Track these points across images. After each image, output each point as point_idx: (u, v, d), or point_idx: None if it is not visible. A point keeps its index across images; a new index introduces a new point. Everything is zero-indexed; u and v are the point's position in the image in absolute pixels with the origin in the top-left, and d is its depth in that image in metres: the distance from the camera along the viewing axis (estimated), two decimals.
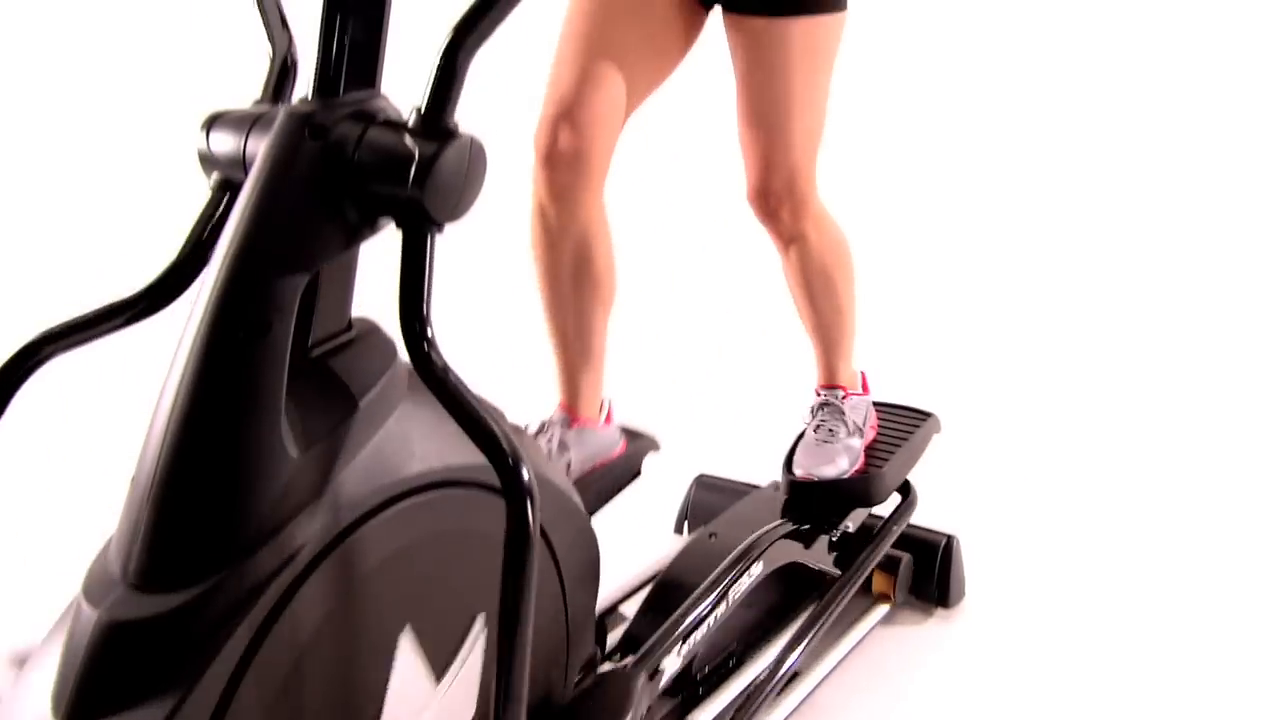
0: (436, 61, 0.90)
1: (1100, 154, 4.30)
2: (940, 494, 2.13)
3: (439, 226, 0.91)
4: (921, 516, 2.05)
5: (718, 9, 1.68)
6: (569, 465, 1.72)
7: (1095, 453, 2.65)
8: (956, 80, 4.52)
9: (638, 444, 1.87)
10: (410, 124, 0.91)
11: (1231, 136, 4.27)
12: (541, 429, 1.77)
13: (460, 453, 1.01)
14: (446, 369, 0.90)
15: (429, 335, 0.89)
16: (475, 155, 0.92)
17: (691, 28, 1.68)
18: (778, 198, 1.71)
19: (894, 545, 1.99)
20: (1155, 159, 4.24)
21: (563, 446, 1.73)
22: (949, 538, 2.05)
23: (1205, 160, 4.20)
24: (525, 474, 0.87)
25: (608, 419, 1.83)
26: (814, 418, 1.96)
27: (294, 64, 1.07)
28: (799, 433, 1.97)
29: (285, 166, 0.90)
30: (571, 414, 1.77)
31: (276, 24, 1.08)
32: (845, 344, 1.95)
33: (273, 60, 1.07)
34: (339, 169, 0.91)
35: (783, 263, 1.84)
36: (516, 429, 1.15)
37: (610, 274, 1.71)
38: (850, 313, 1.91)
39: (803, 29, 1.60)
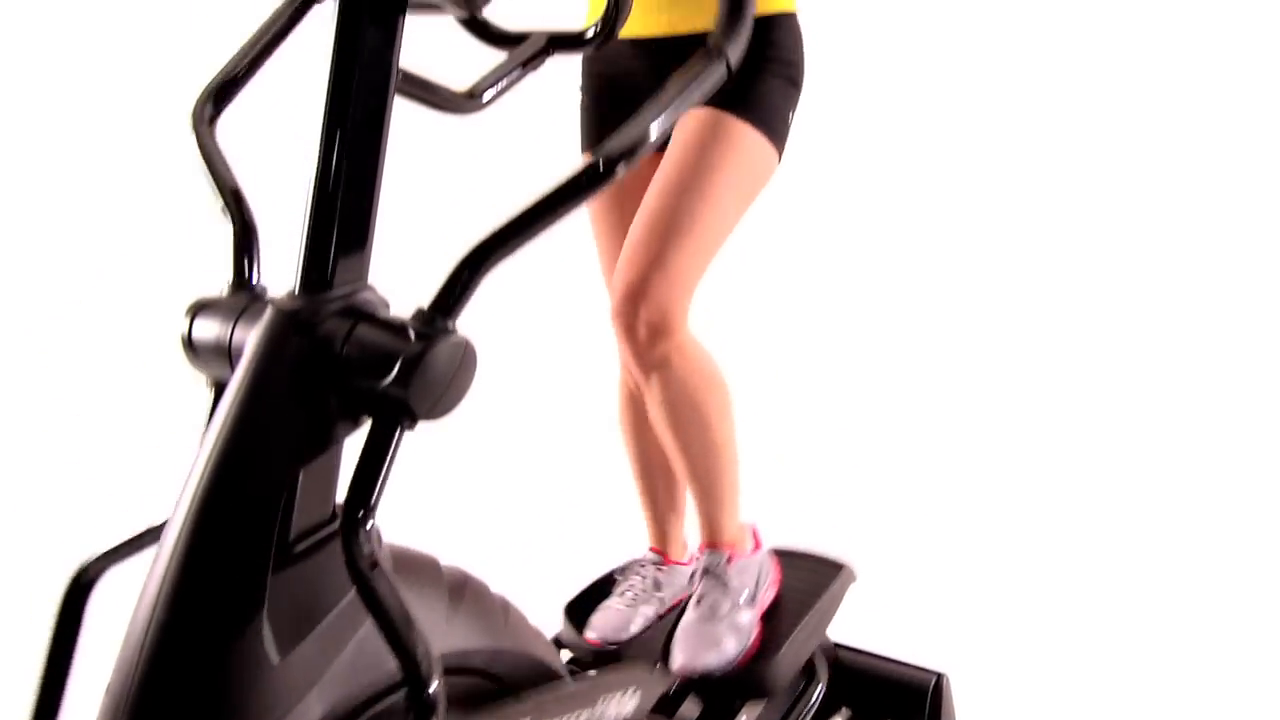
0: (452, 269, 0.90)
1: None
2: (923, 623, 2.10)
3: (413, 423, 0.90)
4: (905, 649, 2.01)
5: None
6: (661, 601, 1.85)
7: (1077, 573, 2.63)
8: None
9: None
10: (404, 320, 0.91)
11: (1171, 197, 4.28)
12: (636, 566, 1.91)
13: (449, 638, 0.99)
14: (376, 565, 0.86)
15: (366, 529, 0.86)
16: (466, 357, 0.91)
17: None
18: (649, 306, 1.51)
19: (878, 686, 1.92)
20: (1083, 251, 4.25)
21: (656, 584, 1.87)
22: (939, 676, 2.01)
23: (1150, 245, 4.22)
24: (431, 690, 0.83)
25: (692, 558, 1.95)
26: (694, 586, 1.75)
27: (253, 228, 1.06)
28: (679, 608, 1.78)
29: (271, 368, 0.90)
30: (663, 556, 1.93)
31: (228, 190, 1.06)
32: (727, 492, 1.70)
33: (234, 231, 1.05)
34: (325, 365, 0.90)
35: (646, 399, 1.63)
36: (479, 589, 1.13)
37: None
38: (729, 452, 1.68)
39: (742, 130, 1.57)
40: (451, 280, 0.90)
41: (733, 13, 1.07)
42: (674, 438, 1.63)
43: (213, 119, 1.09)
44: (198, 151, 1.07)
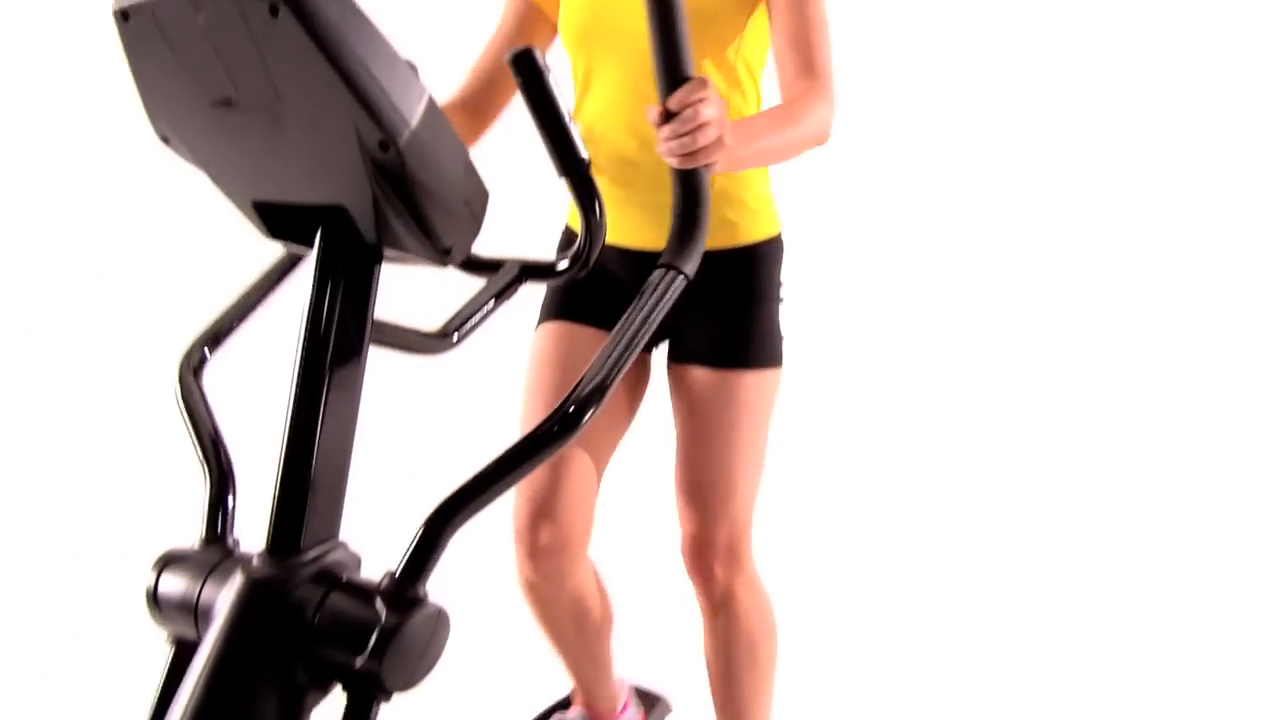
0: (417, 532, 0.91)
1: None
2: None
3: (388, 696, 0.89)
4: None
5: (659, 354, 1.72)
6: None
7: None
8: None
9: (655, 712, 1.96)
10: (378, 587, 0.91)
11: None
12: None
13: None
14: None
15: None
16: (439, 626, 0.91)
17: (643, 381, 1.71)
18: (714, 553, 1.66)
19: None
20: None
21: None
22: None
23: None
24: None
25: (625, 705, 1.95)
26: None
27: (231, 480, 1.06)
28: None
29: (240, 641, 0.90)
30: (592, 711, 1.90)
31: (209, 440, 1.07)
32: None
33: (210, 482, 1.05)
34: (297, 636, 0.90)
35: (706, 631, 1.75)
36: None
37: (608, 611, 1.75)
38: (767, 703, 1.78)
39: (750, 382, 1.62)
40: (417, 545, 0.90)
41: (684, 234, 1.12)
42: (724, 675, 1.74)
43: (199, 368, 1.12)
44: (180, 400, 1.10)
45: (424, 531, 0.91)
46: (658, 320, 1.07)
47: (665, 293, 1.08)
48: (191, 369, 1.12)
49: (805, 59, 1.47)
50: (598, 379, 0.98)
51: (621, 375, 1.01)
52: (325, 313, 0.98)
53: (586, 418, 0.97)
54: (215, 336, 1.15)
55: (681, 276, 1.10)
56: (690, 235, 1.12)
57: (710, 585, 1.68)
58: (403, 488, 1.56)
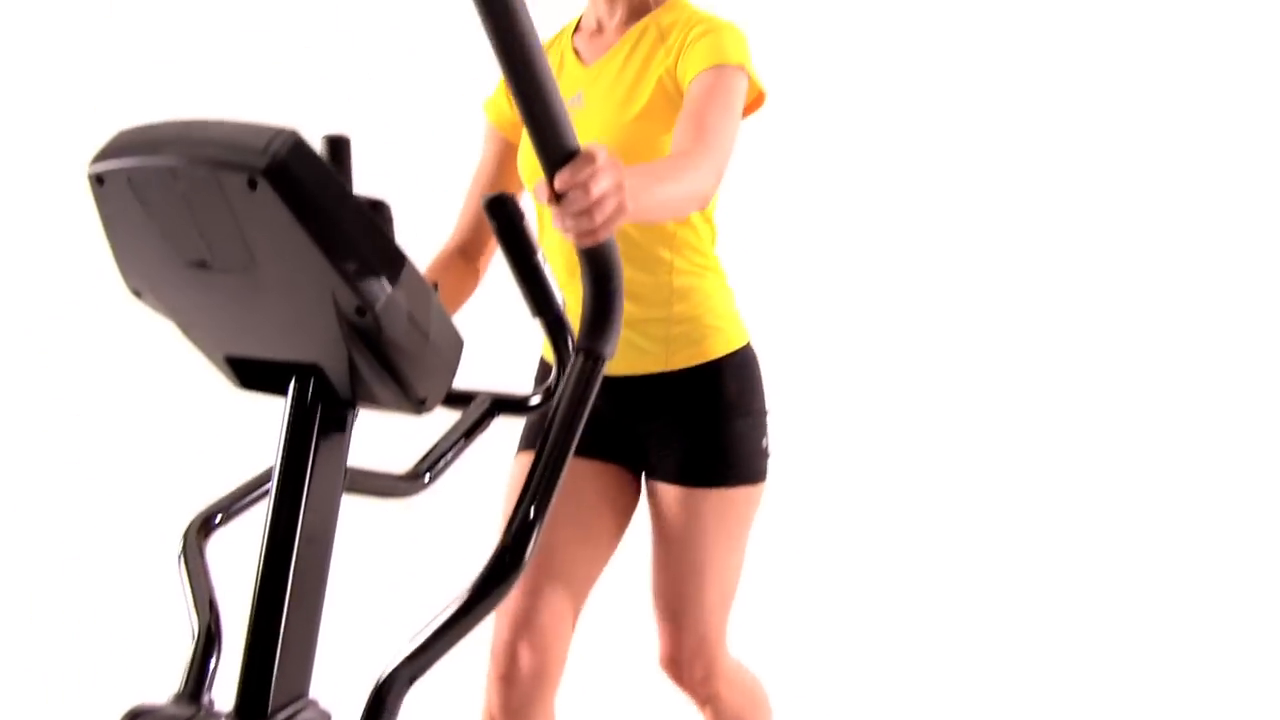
0: (369, 696, 0.90)
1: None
2: None
3: None
4: None
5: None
6: None
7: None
8: None
9: None
10: None
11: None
12: None
13: None
14: None
15: None
16: None
17: (627, 504, 1.71)
18: (689, 663, 1.72)
19: None
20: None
21: None
22: None
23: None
24: None
25: None
26: None
27: (217, 641, 1.05)
28: None
29: None
30: None
31: (204, 600, 1.06)
32: None
33: (197, 640, 1.05)
34: None
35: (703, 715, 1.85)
36: None
37: None
38: None
39: (720, 499, 1.65)
40: (372, 707, 0.90)
41: (599, 313, 1.08)
42: None
43: (205, 531, 1.13)
44: (181, 561, 1.10)
45: (373, 698, 0.91)
46: (584, 413, 1.04)
47: (588, 382, 1.04)
48: (197, 530, 1.13)
49: (697, 130, 1.40)
50: (535, 495, 0.98)
51: (558, 483, 1.00)
52: (297, 465, 0.97)
53: (529, 548, 0.96)
54: (228, 506, 1.16)
55: (601, 361, 1.06)
56: (606, 313, 1.07)
57: (691, 687, 1.76)
58: (379, 631, 1.54)
